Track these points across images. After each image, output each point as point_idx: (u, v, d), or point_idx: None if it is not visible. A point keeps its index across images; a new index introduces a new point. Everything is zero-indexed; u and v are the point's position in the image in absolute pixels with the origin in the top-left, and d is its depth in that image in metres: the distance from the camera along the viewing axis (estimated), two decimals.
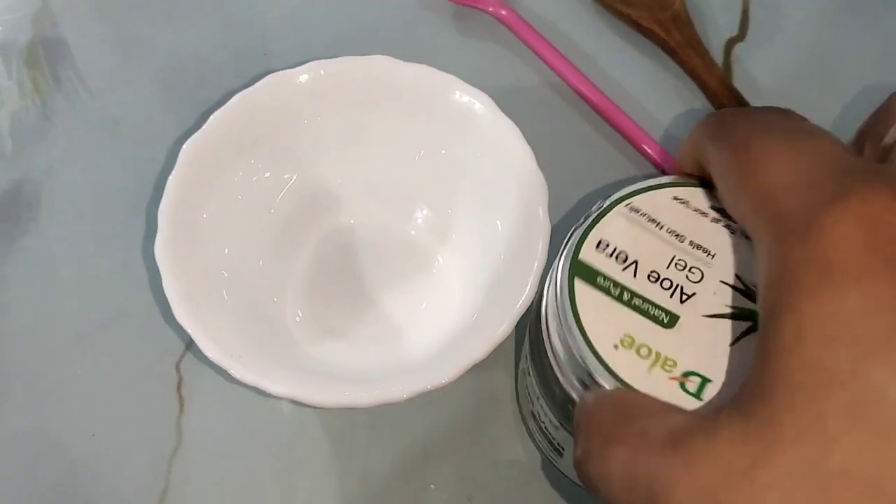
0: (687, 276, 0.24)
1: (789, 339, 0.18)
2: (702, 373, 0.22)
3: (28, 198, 0.39)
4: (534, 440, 0.33)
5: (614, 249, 0.24)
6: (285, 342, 0.34)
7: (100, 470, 0.34)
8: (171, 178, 0.33)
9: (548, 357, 0.26)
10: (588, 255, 0.24)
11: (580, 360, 0.23)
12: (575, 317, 0.24)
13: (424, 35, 0.43)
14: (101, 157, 0.40)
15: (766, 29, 0.43)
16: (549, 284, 0.26)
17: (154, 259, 0.31)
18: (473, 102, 0.34)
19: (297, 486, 0.34)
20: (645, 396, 0.22)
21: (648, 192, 0.25)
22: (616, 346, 0.23)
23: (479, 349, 0.30)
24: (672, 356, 0.23)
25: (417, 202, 0.37)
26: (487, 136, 0.34)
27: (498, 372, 0.35)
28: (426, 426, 0.34)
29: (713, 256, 0.24)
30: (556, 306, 0.24)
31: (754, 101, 0.40)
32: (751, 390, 0.19)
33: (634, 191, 0.25)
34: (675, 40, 0.41)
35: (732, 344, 0.23)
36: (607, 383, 0.23)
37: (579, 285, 0.24)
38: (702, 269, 0.24)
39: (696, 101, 0.41)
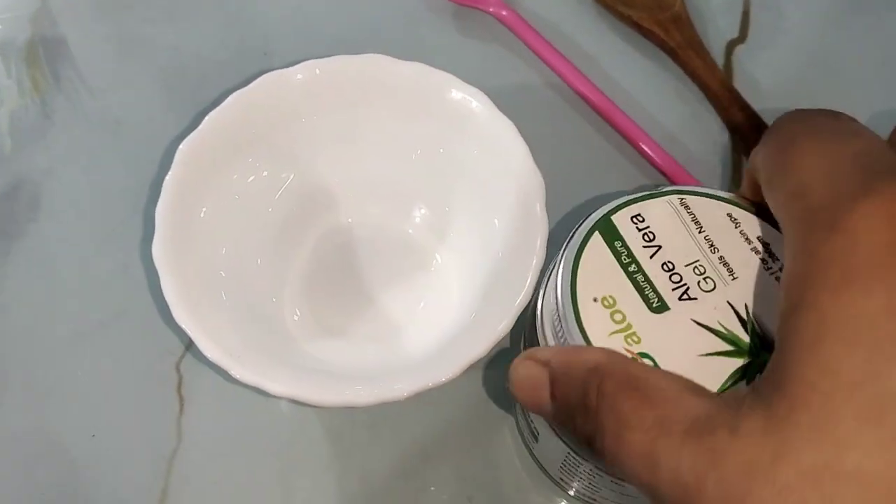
0: (699, 282, 0.24)
1: (809, 338, 0.18)
2: (658, 362, 0.23)
3: (27, 197, 0.39)
4: (517, 424, 0.33)
5: (647, 227, 0.25)
6: (284, 341, 0.34)
7: (100, 470, 0.34)
8: (167, 178, 0.33)
9: (535, 333, 0.26)
10: (620, 219, 0.25)
11: (557, 298, 0.24)
12: (575, 260, 0.24)
13: (425, 35, 0.43)
14: (101, 157, 0.40)
15: (766, 30, 0.43)
16: (565, 246, 0.26)
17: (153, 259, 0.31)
18: (470, 100, 0.34)
19: (296, 485, 0.34)
20: (657, 372, 0.22)
21: (707, 199, 0.26)
22: (595, 300, 0.24)
23: (478, 347, 0.30)
24: (640, 334, 0.23)
25: (415, 201, 0.37)
26: (484, 134, 0.34)
27: (498, 370, 0.35)
28: (425, 425, 0.34)
29: (735, 279, 0.24)
30: (560, 260, 0.25)
31: (755, 103, 0.40)
32: (771, 383, 0.19)
33: (695, 191, 0.26)
34: (676, 41, 0.41)
35: (701, 355, 0.23)
36: (569, 327, 0.23)
37: (595, 238, 0.25)
38: (717, 282, 0.24)
39: (697, 103, 0.41)
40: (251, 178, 0.35)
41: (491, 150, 0.34)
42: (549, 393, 0.22)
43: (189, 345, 0.36)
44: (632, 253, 0.24)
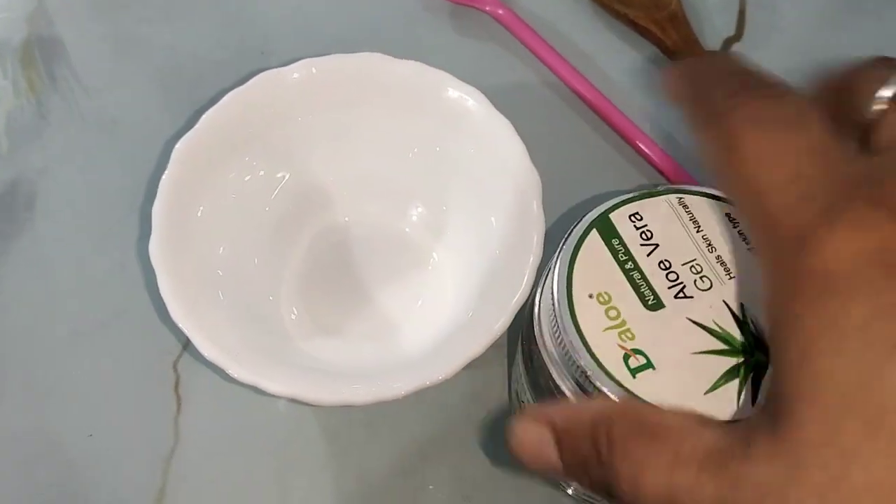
0: (695, 281, 0.24)
1: (796, 354, 0.18)
2: (651, 358, 0.23)
3: (24, 197, 0.39)
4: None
5: (644, 226, 0.25)
6: (281, 340, 0.34)
7: (97, 469, 0.34)
8: (164, 177, 0.33)
9: (532, 332, 0.26)
10: (618, 217, 0.25)
11: (553, 294, 0.24)
12: (572, 257, 0.24)
13: (422, 34, 0.43)
14: (97, 157, 0.40)
15: (762, 29, 0.43)
16: (562, 244, 0.26)
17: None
18: (466, 99, 0.34)
19: (293, 484, 0.34)
20: (662, 410, 0.22)
21: (705, 198, 0.26)
22: (591, 296, 0.24)
23: (475, 345, 0.30)
24: (635, 331, 0.23)
25: (412, 199, 0.37)
26: (480, 133, 0.34)
27: (494, 369, 0.35)
28: (423, 424, 0.34)
29: (731, 278, 0.24)
30: (557, 257, 0.25)
31: None
32: (773, 402, 0.19)
33: (693, 191, 0.26)
34: (672, 40, 0.41)
35: (695, 353, 0.23)
36: (564, 323, 0.23)
37: (593, 235, 0.25)
38: (713, 281, 0.24)
39: None
40: (248, 177, 0.35)
41: (487, 149, 0.34)
42: (557, 451, 0.22)
43: (186, 344, 0.36)
44: (629, 251, 0.25)
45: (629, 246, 0.25)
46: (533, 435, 0.22)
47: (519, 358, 0.29)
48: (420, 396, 0.29)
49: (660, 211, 0.25)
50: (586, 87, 0.41)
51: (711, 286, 0.24)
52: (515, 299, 0.30)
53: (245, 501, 0.34)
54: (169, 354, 0.36)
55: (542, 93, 0.41)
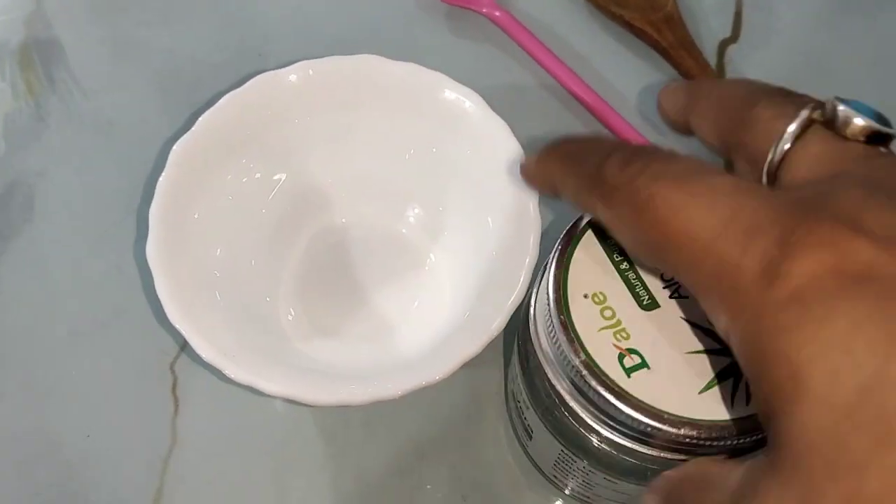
0: None
1: (788, 387, 0.18)
2: (646, 358, 0.23)
3: (21, 199, 0.39)
4: (511, 423, 0.33)
5: None
6: (278, 341, 0.34)
7: (96, 469, 0.34)
8: (161, 179, 0.33)
9: (528, 332, 0.26)
10: None
11: (548, 294, 0.24)
12: (567, 257, 0.24)
13: (418, 36, 0.43)
14: (95, 159, 0.40)
15: (759, 30, 0.43)
16: (557, 245, 0.26)
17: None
18: (462, 100, 0.34)
19: (291, 484, 0.34)
20: (704, 463, 0.22)
21: None
22: (586, 296, 0.24)
23: (472, 346, 0.30)
24: (629, 330, 0.23)
25: (409, 200, 0.37)
26: (477, 134, 0.34)
27: (491, 369, 0.35)
28: (420, 424, 0.35)
29: None
30: (552, 257, 0.25)
31: None
32: (772, 440, 0.18)
33: None
34: (668, 41, 0.41)
35: (689, 353, 0.23)
36: (557, 323, 0.23)
37: (588, 235, 0.25)
38: None
39: None
40: (245, 178, 0.35)
41: (484, 150, 0.34)
42: None
43: (184, 345, 0.36)
44: (624, 251, 0.25)
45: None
46: None
47: (515, 358, 0.29)
48: (417, 396, 0.29)
49: None
50: (582, 89, 0.41)
51: None
52: (512, 300, 0.30)
53: (243, 502, 0.34)
54: (166, 355, 0.36)
55: (539, 94, 0.41)
